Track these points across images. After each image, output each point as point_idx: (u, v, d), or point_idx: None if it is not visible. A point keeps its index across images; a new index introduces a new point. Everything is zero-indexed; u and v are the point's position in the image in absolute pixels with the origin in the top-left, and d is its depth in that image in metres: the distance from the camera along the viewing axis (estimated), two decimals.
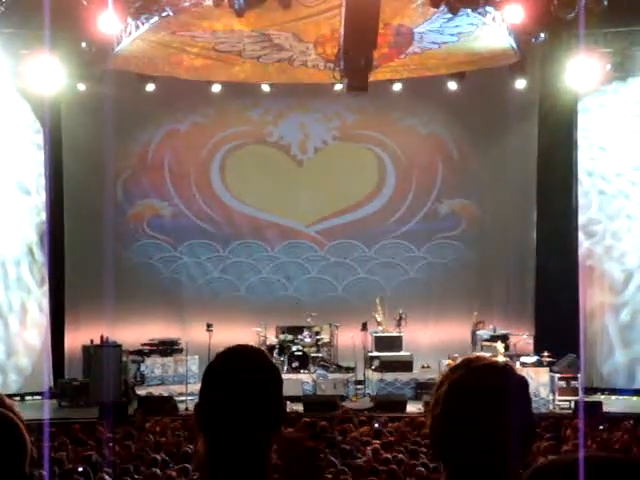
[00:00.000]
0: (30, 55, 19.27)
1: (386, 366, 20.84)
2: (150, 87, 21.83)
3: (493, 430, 2.29)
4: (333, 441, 13.31)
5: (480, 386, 2.35)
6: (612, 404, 19.35)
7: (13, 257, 20.71)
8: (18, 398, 20.17)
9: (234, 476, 2.53)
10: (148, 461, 11.72)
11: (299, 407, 17.82)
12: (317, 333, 22.04)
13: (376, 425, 15.16)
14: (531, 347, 20.76)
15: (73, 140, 21.86)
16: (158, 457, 11.89)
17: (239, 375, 2.57)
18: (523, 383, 2.43)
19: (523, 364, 19.39)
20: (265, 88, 22.90)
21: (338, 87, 21.51)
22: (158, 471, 10.52)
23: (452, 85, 22.19)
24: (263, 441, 2.58)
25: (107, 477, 10.55)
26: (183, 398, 19.35)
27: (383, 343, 21.40)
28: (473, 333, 21.05)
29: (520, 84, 21.27)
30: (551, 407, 19.00)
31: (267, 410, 2.56)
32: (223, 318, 21.50)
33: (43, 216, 21.03)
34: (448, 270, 23.91)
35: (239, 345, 2.69)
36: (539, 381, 18.98)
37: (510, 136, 23.07)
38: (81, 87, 20.42)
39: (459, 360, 2.48)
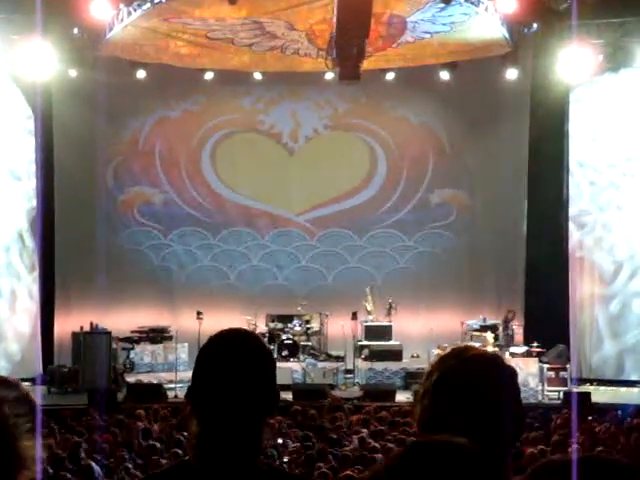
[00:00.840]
0: (21, 40, 19.17)
1: (376, 355, 20.87)
2: (142, 74, 21.74)
3: (482, 420, 2.30)
4: (322, 429, 13.35)
5: (469, 376, 2.35)
6: (601, 395, 19.40)
7: (3, 243, 20.66)
8: None
9: (227, 458, 2.54)
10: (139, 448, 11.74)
11: (288, 395, 17.85)
12: (307, 322, 22.07)
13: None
14: (521, 337, 20.79)
15: (64, 126, 21.78)
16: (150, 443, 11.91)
17: (233, 358, 2.57)
18: (512, 373, 2.43)
19: (512, 354, 19.43)
20: (257, 76, 22.86)
21: (329, 76, 21.52)
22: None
23: (444, 75, 22.16)
24: (256, 424, 2.59)
25: (94, 464, 10.55)
26: (172, 385, 19.35)
27: (373, 332, 21.41)
28: (505, 326, 20.70)
29: (512, 74, 21.24)
30: (540, 397, 19.03)
31: (261, 393, 2.57)
32: (213, 306, 21.49)
33: (34, 202, 20.96)
34: (438, 260, 23.93)
35: (233, 328, 2.69)
36: (528, 371, 19.02)
37: (502, 126, 23.08)
38: (72, 73, 20.34)
39: (448, 350, 2.48)
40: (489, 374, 2.36)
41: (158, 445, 11.94)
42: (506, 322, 20.59)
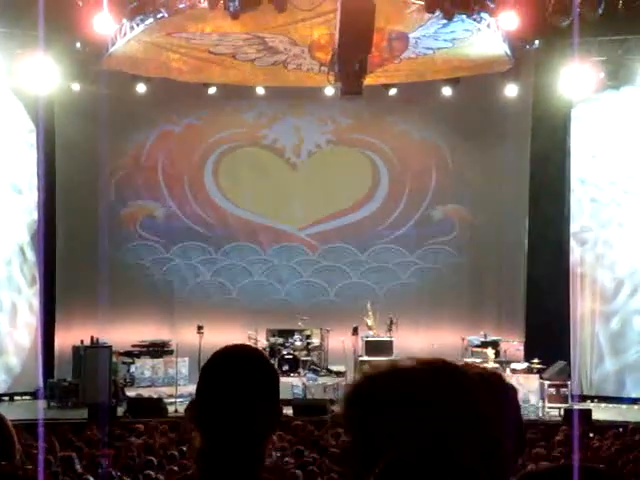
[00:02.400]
0: (24, 54, 19.25)
1: None
2: (144, 88, 21.78)
3: (484, 438, 2.29)
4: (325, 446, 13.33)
5: (470, 395, 2.33)
6: (601, 412, 19.37)
7: (4, 256, 20.68)
8: (7, 398, 20.16)
9: (230, 473, 2.54)
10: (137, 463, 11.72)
11: (289, 411, 17.82)
12: (308, 337, 22.05)
13: None
14: (521, 354, 20.77)
15: (66, 140, 21.83)
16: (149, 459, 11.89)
17: (238, 374, 2.57)
18: (512, 391, 2.43)
19: (513, 370, 19.41)
20: (260, 91, 22.89)
21: (330, 91, 21.57)
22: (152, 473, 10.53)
23: (446, 91, 22.21)
24: (260, 439, 2.59)
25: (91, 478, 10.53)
26: (172, 400, 19.33)
27: (374, 347, 21.38)
28: None
29: (514, 91, 21.29)
30: (540, 414, 19.00)
31: (265, 409, 2.58)
32: (214, 320, 21.48)
33: (35, 215, 20.98)
34: (440, 275, 23.92)
35: (237, 344, 2.71)
36: (529, 388, 19.00)
37: (504, 142, 23.09)
38: (75, 87, 20.40)
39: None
40: (488, 394, 2.35)
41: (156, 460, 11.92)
42: None
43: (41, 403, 19.80)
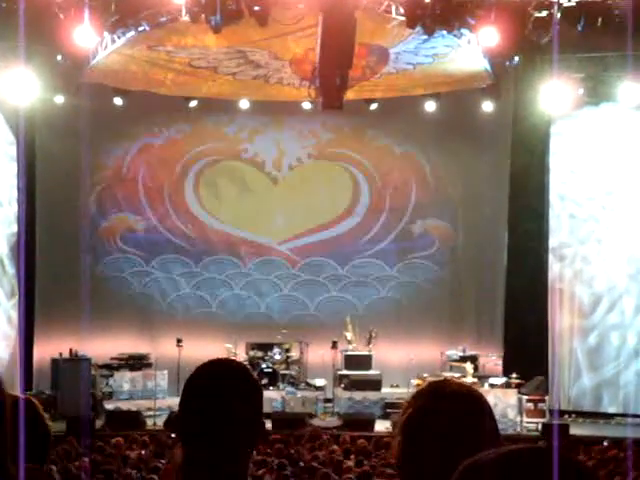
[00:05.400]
0: (4, 66, 19.19)
1: (355, 385, 20.87)
2: (125, 101, 21.76)
3: (458, 457, 2.31)
4: (300, 460, 13.33)
5: (443, 417, 2.35)
6: (579, 427, 19.44)
7: None
8: None
9: None
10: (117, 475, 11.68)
11: (267, 424, 17.82)
12: (287, 350, 22.04)
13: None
14: (500, 368, 20.83)
15: (47, 152, 21.78)
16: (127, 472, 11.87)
17: (221, 388, 2.58)
18: (487, 408, 2.45)
19: (492, 385, 19.46)
20: (241, 105, 22.92)
21: (309, 106, 21.65)
22: None
23: (427, 106, 22.30)
24: (242, 454, 2.60)
25: None
26: (151, 413, 19.29)
27: (353, 362, 21.43)
28: None
29: (494, 107, 21.41)
30: (518, 429, 19.04)
31: (248, 423, 2.59)
32: (193, 334, 21.48)
33: (14, 228, 20.90)
34: (420, 290, 23.98)
35: (221, 358, 2.72)
36: (507, 402, 19.04)
37: (483, 157, 23.20)
38: (56, 100, 20.37)
39: (425, 385, 2.49)
40: (464, 411, 2.37)
41: (134, 473, 11.89)
42: None
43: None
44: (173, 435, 14.71)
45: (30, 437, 2.62)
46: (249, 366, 17.28)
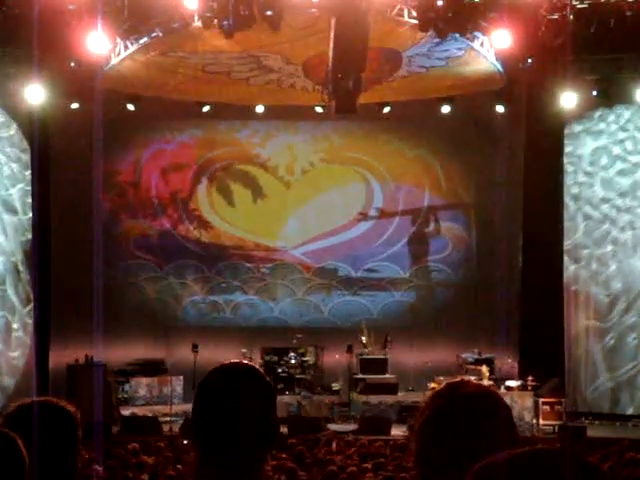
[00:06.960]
0: (18, 73, 19.26)
1: (371, 388, 20.83)
2: (138, 106, 21.80)
3: (476, 458, 2.29)
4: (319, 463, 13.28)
5: (459, 417, 2.33)
6: (596, 429, 19.35)
7: None
8: None
9: None
10: None
11: (283, 429, 17.79)
12: (302, 355, 22.03)
13: None
14: (516, 371, 20.77)
15: (60, 159, 21.82)
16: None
17: (235, 391, 2.56)
18: (506, 409, 2.42)
19: (508, 388, 19.40)
20: (253, 109, 22.93)
21: (319, 110, 21.63)
22: None
23: (440, 109, 22.26)
24: (258, 457, 2.58)
25: None
26: (167, 419, 19.29)
27: (368, 365, 21.40)
28: None
29: (507, 109, 21.36)
30: (535, 431, 18.97)
31: (263, 427, 2.57)
32: (208, 339, 21.48)
33: (29, 235, 20.94)
34: (434, 293, 23.94)
35: (234, 362, 2.69)
36: (523, 405, 18.99)
37: (497, 160, 23.16)
38: (69, 106, 20.40)
39: (442, 386, 2.47)
40: (481, 413, 2.34)
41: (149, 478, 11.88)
42: None
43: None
44: (185, 441, 14.69)
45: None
46: (265, 371, 17.29)
